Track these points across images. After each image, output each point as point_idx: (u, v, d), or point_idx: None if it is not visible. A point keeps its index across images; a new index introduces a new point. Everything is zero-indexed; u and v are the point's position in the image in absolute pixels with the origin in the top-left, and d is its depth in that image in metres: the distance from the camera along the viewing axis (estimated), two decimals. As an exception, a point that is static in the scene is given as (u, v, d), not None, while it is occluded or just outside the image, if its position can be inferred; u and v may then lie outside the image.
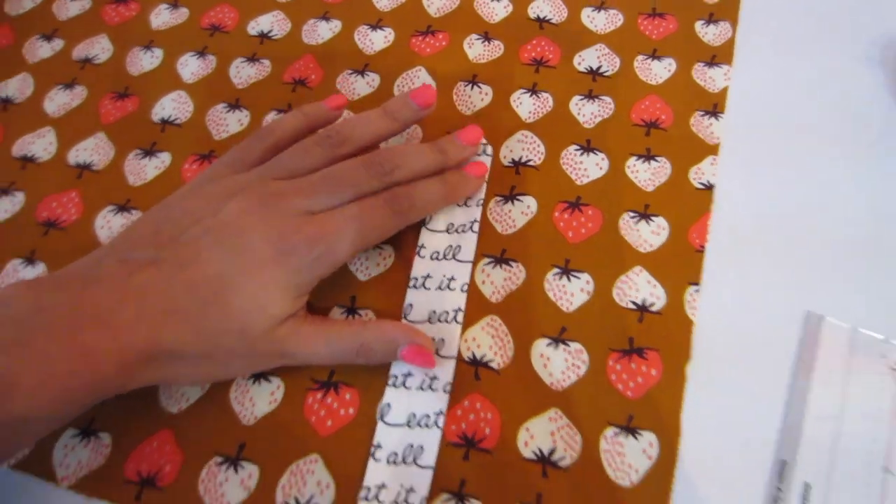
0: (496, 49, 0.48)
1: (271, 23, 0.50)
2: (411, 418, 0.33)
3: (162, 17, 0.51)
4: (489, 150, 0.42)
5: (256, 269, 0.32)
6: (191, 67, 0.48)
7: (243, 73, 0.48)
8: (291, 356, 0.34)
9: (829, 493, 0.32)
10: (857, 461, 0.33)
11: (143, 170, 0.43)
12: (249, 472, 0.33)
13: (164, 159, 0.43)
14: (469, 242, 0.38)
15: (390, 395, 0.34)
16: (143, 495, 0.33)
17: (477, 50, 0.48)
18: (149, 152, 0.44)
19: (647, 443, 0.33)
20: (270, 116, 0.45)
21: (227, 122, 0.45)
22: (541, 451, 0.33)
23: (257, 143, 0.38)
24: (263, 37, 0.50)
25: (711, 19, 0.49)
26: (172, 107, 0.46)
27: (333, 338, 0.34)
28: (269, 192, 0.34)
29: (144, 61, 0.49)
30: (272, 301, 0.32)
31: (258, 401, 0.35)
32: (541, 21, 0.49)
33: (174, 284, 0.31)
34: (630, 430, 0.33)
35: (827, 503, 0.32)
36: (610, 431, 0.33)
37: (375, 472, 0.32)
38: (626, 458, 0.32)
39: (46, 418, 0.28)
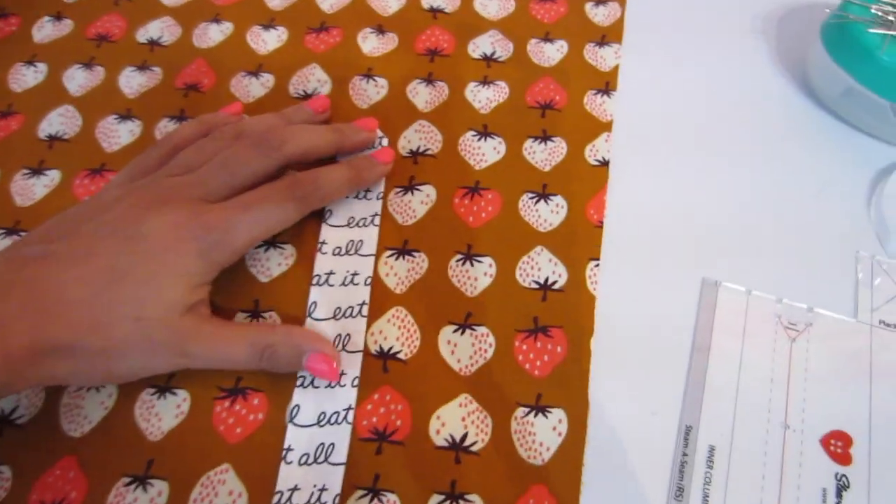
0: (391, 41, 0.47)
1: (161, 29, 0.49)
2: (321, 417, 0.33)
3: (45, 31, 0.49)
4: (385, 141, 0.42)
5: (151, 256, 0.31)
6: (78, 80, 0.46)
7: (134, 81, 0.46)
8: (192, 356, 0.32)
9: (732, 453, 0.32)
10: (757, 419, 0.33)
11: (32, 189, 0.41)
12: (159, 490, 0.32)
13: (52, 177, 0.42)
14: (371, 236, 0.38)
15: (299, 395, 0.33)
16: (47, 525, 0.31)
17: (371, 43, 0.47)
18: (36, 171, 0.42)
19: (557, 420, 0.33)
20: (163, 124, 0.44)
21: (118, 133, 0.43)
22: (453, 437, 0.33)
23: (155, 152, 0.37)
24: (153, 44, 0.48)
25: (600, 0, 0.49)
26: (60, 122, 0.44)
27: (237, 339, 0.32)
28: (164, 187, 0.33)
29: (28, 77, 0.47)
30: (168, 286, 0.31)
31: (164, 415, 0.34)
32: (434, 11, 0.49)
33: (65, 277, 0.30)
34: (539, 408, 0.33)
35: (731, 462, 0.32)
36: (520, 412, 0.33)
37: (288, 475, 0.32)
38: (537, 436, 0.33)
39: None
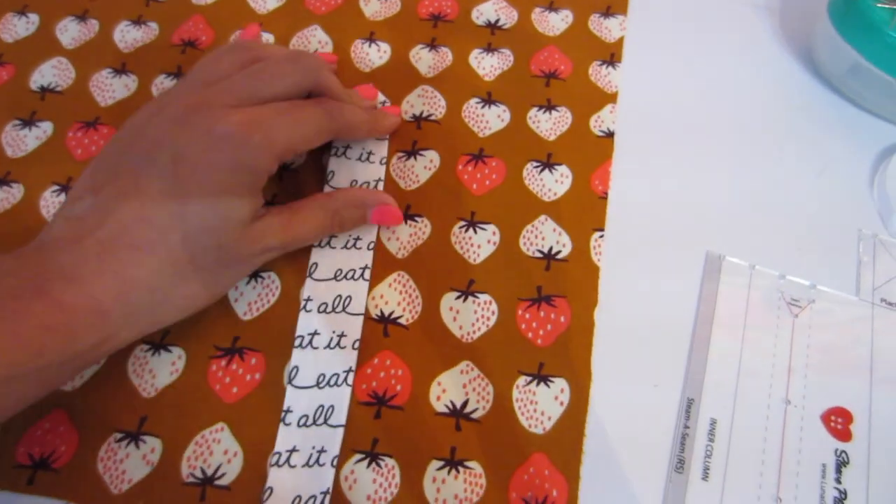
0: (393, 5, 0.46)
1: (157, -17, 0.47)
2: (321, 378, 0.32)
3: (36, -19, 0.47)
4: (388, 104, 0.40)
5: (199, 177, 0.29)
6: (71, 33, 0.44)
7: (129, 36, 0.44)
8: (274, 248, 0.33)
9: (733, 427, 0.32)
10: (759, 394, 0.33)
11: (23, 141, 0.40)
12: (152, 447, 0.31)
13: (45, 129, 0.40)
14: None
15: (297, 356, 0.32)
16: (35, 479, 0.30)
17: (373, 7, 0.46)
18: (28, 122, 0.40)
19: (559, 389, 0.32)
20: (160, 80, 0.42)
21: (112, 87, 0.42)
22: (453, 404, 0.32)
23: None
24: (149, -1, 0.46)
25: (606, -29, 0.48)
26: (52, 73, 0.42)
27: (307, 216, 0.33)
28: (195, 100, 0.31)
29: (19, 27, 0.45)
30: (231, 207, 0.30)
31: (159, 372, 0.32)
32: (438, -24, 0.47)
33: (122, 221, 0.28)
34: (541, 377, 0.32)
35: (732, 436, 0.32)
36: (522, 380, 0.32)
37: (287, 437, 0.31)
38: (539, 405, 0.32)
39: (21, 376, 0.25)
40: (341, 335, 0.33)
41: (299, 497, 0.29)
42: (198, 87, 0.32)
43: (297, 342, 0.33)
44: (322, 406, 0.31)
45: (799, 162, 0.40)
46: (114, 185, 0.29)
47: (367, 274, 0.35)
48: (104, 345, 0.28)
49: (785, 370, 0.34)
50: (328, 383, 0.32)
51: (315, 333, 0.33)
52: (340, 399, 0.31)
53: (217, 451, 0.31)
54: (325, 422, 0.31)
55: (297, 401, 0.31)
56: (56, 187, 0.38)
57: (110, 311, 0.27)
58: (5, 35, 0.44)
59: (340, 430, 0.31)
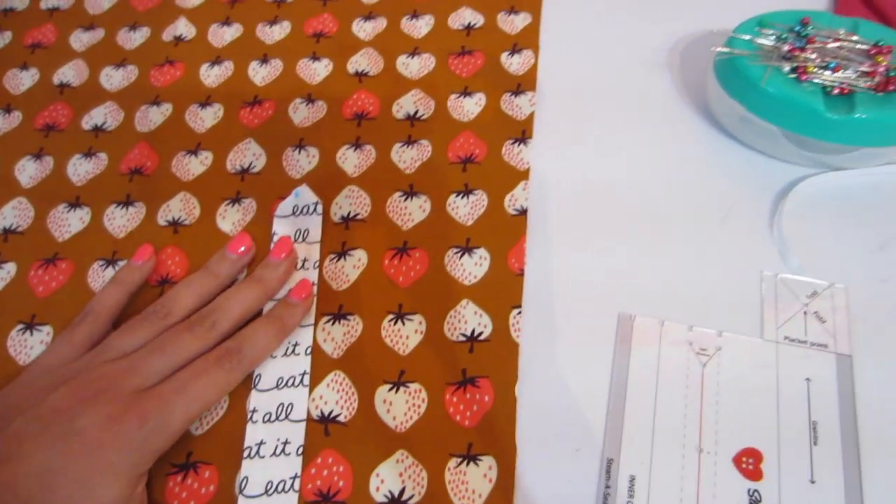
0: (320, 110, 0.48)
1: (104, 114, 0.49)
2: (269, 486, 0.34)
3: (-5, 125, 0.49)
4: (319, 207, 0.42)
5: (86, 453, 0.29)
6: (28, 171, 0.47)
7: (81, 169, 0.47)
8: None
9: (651, 481, 0.33)
10: (674, 445, 0.34)
11: (-11, 284, 0.42)
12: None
13: (9, 270, 0.42)
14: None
15: (247, 467, 0.34)
16: None
17: (302, 114, 0.48)
18: (-7, 265, 0.42)
19: (487, 466, 0.34)
20: (111, 211, 0.44)
21: (68, 222, 0.44)
22: (391, 493, 0.33)
23: (81, 327, 0.37)
24: (98, 130, 0.49)
25: (515, 49, 0.50)
26: (13, 215, 0.45)
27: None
28: (97, 375, 0.32)
29: (-19, 172, 0.47)
30: (104, 485, 0.29)
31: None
32: (360, 75, 0.50)
33: None
34: (471, 457, 0.34)
35: (651, 490, 0.33)
36: (452, 462, 0.34)
37: (242, 545, 0.32)
38: (470, 484, 0.33)
39: None
40: (286, 442, 0.34)
41: None
42: (108, 362, 0.33)
43: (245, 453, 0.34)
44: (271, 513, 0.33)
45: (703, 212, 0.42)
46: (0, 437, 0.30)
47: (307, 379, 0.36)
48: None
49: (696, 419, 0.35)
50: (276, 490, 0.33)
51: (261, 443, 0.34)
52: (288, 506, 0.33)
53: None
54: (275, 528, 0.32)
55: (249, 510, 0.33)
56: (21, 325, 0.40)
57: None
58: (-32, 182, 0.46)
59: (288, 535, 0.32)
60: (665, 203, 0.42)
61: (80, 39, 0.54)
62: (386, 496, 0.33)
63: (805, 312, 0.38)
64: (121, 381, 0.32)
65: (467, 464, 0.34)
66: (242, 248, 0.39)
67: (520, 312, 0.38)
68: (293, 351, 0.37)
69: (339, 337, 0.38)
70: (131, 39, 0.54)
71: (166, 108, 0.49)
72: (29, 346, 0.39)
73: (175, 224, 0.43)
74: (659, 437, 0.35)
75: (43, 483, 0.29)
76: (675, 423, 0.35)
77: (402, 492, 0.33)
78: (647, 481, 0.33)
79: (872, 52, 0.41)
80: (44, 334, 0.39)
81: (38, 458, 0.29)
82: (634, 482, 0.33)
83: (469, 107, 0.47)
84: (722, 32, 0.44)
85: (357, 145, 0.46)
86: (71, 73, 0.52)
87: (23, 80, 0.52)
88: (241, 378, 0.35)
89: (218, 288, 0.39)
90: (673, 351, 0.37)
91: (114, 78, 0.52)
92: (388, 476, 0.34)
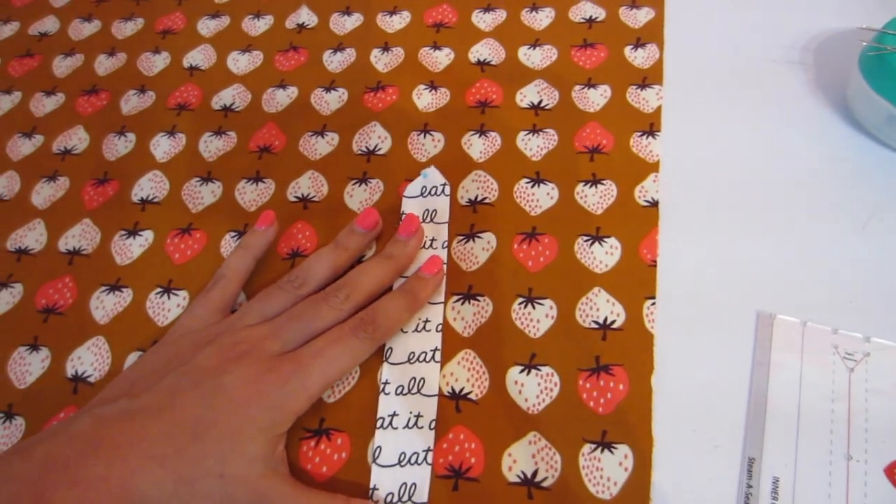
0: (443, 96, 0.48)
1: (233, 96, 0.50)
2: (402, 457, 0.33)
3: (131, 103, 0.51)
4: (447, 189, 0.42)
5: (233, 409, 0.31)
6: (163, 147, 0.48)
7: (212, 146, 0.47)
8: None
9: (796, 485, 0.32)
10: (820, 450, 0.33)
11: (129, 249, 0.43)
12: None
13: (147, 237, 0.43)
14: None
15: (381, 436, 0.34)
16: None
17: (425, 99, 0.48)
18: (132, 232, 0.44)
19: (623, 455, 0.33)
20: (241, 185, 0.45)
21: (201, 194, 0.45)
22: (524, 473, 0.33)
23: (215, 291, 0.38)
24: (227, 110, 0.50)
25: (639, 43, 0.49)
26: (150, 186, 0.46)
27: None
28: (241, 338, 0.34)
29: (119, 146, 0.48)
30: (249, 439, 0.31)
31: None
32: (482, 64, 0.49)
33: (149, 431, 0.30)
34: (605, 444, 0.33)
35: (796, 494, 0.31)
36: (586, 448, 0.33)
37: (374, 515, 0.32)
38: (605, 471, 0.32)
39: None
40: (418, 415, 0.34)
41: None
42: (249, 327, 0.35)
43: (378, 423, 0.34)
44: (405, 484, 0.32)
45: (843, 213, 0.40)
46: (149, 396, 0.31)
47: (438, 356, 0.36)
48: None
49: (844, 425, 0.33)
50: (409, 462, 0.33)
51: (394, 415, 0.34)
52: (422, 477, 0.33)
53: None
54: (410, 499, 0.32)
55: (382, 479, 0.33)
56: (159, 289, 0.41)
57: None
58: (108, 154, 0.48)
59: (423, 507, 0.32)
60: (801, 201, 0.40)
61: (208, 26, 0.56)
62: (519, 476, 0.32)
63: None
64: (262, 344, 0.33)
65: (602, 451, 0.33)
66: (370, 223, 0.39)
67: (654, 303, 0.37)
68: (424, 327, 0.37)
69: (468, 317, 0.37)
70: (255, 27, 0.55)
71: (292, 91, 0.50)
72: (166, 308, 0.40)
73: (304, 200, 0.44)
74: (804, 440, 0.33)
75: (195, 435, 0.30)
76: (821, 428, 0.33)
77: (535, 473, 0.32)
78: (791, 484, 0.32)
79: None
80: (180, 298, 0.40)
81: (191, 409, 0.31)
82: (779, 484, 0.32)
83: (594, 98, 0.46)
84: (867, 29, 0.42)
85: (482, 132, 0.45)
86: (200, 57, 0.53)
87: (155, 63, 0.54)
88: (374, 348, 0.35)
89: (348, 261, 0.39)
90: (817, 353, 0.35)
91: (240, 62, 0.53)
92: (521, 456, 0.33)
